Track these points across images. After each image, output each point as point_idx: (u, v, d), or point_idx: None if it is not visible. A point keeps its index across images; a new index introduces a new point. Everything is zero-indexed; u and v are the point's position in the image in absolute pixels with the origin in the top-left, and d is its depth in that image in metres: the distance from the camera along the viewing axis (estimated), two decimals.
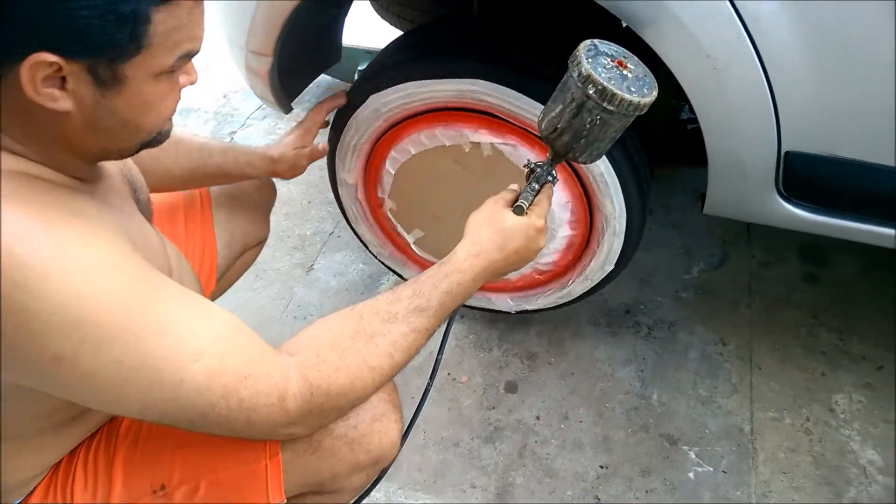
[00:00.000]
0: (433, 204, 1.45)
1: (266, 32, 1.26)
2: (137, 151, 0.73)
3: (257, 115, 2.55)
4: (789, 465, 1.41)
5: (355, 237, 1.65)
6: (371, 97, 1.30)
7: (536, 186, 0.92)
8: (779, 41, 1.00)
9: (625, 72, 0.83)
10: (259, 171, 1.21)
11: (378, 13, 2.01)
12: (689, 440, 1.46)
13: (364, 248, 1.66)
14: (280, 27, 1.25)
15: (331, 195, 2.13)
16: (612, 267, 1.41)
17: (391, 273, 1.85)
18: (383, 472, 0.95)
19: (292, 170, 1.24)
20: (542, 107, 0.91)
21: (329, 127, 1.38)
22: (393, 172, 1.41)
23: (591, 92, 0.80)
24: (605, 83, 0.79)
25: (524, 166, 0.96)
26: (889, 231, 1.18)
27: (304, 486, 0.89)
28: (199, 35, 0.67)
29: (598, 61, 0.82)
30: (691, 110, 1.25)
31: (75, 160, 0.70)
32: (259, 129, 2.49)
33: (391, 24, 1.99)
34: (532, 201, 0.91)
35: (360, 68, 2.31)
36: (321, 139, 1.29)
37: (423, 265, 1.59)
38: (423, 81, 1.24)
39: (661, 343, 1.67)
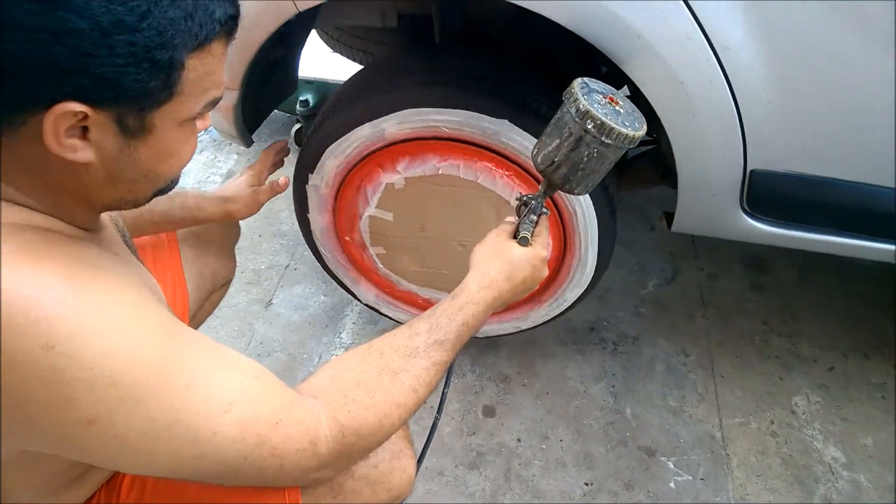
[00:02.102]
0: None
1: (234, 68, 1.24)
2: (149, 200, 0.70)
3: None
4: (761, 468, 1.47)
5: (313, 270, 1.61)
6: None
7: (534, 218, 0.93)
8: (746, 67, 1.06)
9: (617, 108, 0.86)
10: (209, 214, 1.17)
11: (328, 45, 2.00)
12: (666, 451, 1.50)
13: (324, 277, 1.62)
14: (248, 62, 1.24)
15: (282, 227, 2.11)
16: (585, 288, 1.45)
17: (354, 304, 1.83)
18: None
19: (248, 208, 1.20)
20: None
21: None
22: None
23: (589, 126, 0.83)
24: (604, 118, 0.82)
25: (516, 199, 0.98)
26: (844, 240, 1.27)
27: None
28: (223, 81, 0.64)
29: (592, 98, 0.85)
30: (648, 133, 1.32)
31: (85, 211, 0.67)
32: (198, 163, 2.42)
33: (343, 55, 1.98)
34: (533, 232, 0.92)
35: (300, 98, 2.30)
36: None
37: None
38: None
39: (627, 357, 1.71)
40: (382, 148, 1.29)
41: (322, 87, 2.29)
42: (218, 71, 0.63)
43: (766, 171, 1.19)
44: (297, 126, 2.36)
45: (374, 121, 1.24)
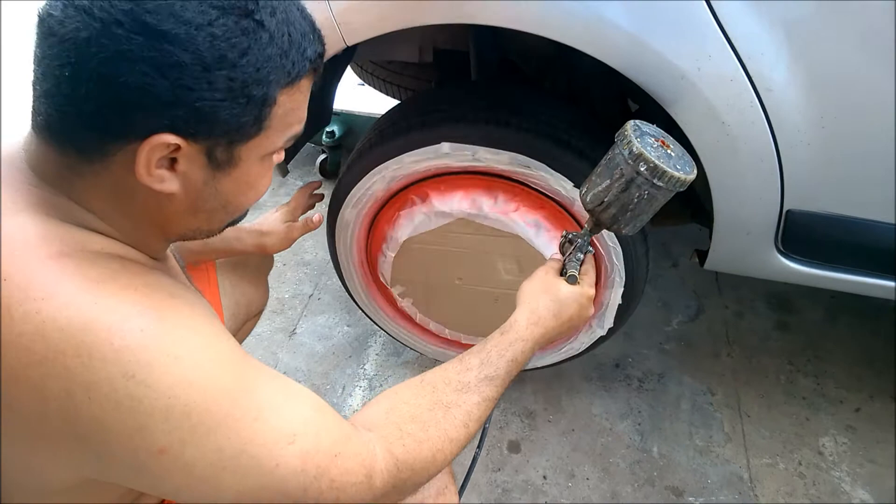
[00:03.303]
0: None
1: None
2: (222, 231, 0.71)
3: None
4: None
5: (337, 299, 1.61)
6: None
7: (581, 256, 0.94)
8: (787, 109, 1.07)
9: (668, 151, 0.87)
10: (245, 246, 1.19)
11: (361, 77, 2.02)
12: (694, 491, 1.49)
13: (348, 307, 1.61)
14: None
15: (306, 256, 2.12)
16: (612, 323, 1.44)
17: (379, 334, 1.83)
18: None
19: (281, 243, 1.23)
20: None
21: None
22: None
23: (642, 169, 0.84)
24: (657, 161, 0.83)
25: (561, 236, 0.98)
26: (879, 282, 1.26)
27: None
28: (304, 117, 0.66)
29: (645, 140, 0.85)
30: None
31: (160, 240, 0.68)
32: None
33: (376, 88, 2.01)
34: (580, 270, 0.93)
35: (326, 129, 2.33)
36: None
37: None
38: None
39: (653, 395, 1.70)
40: (417, 182, 1.30)
41: (348, 119, 2.31)
42: (303, 107, 0.65)
43: (803, 211, 1.19)
44: (322, 157, 2.39)
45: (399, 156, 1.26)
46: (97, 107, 0.54)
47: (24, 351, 0.53)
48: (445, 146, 1.21)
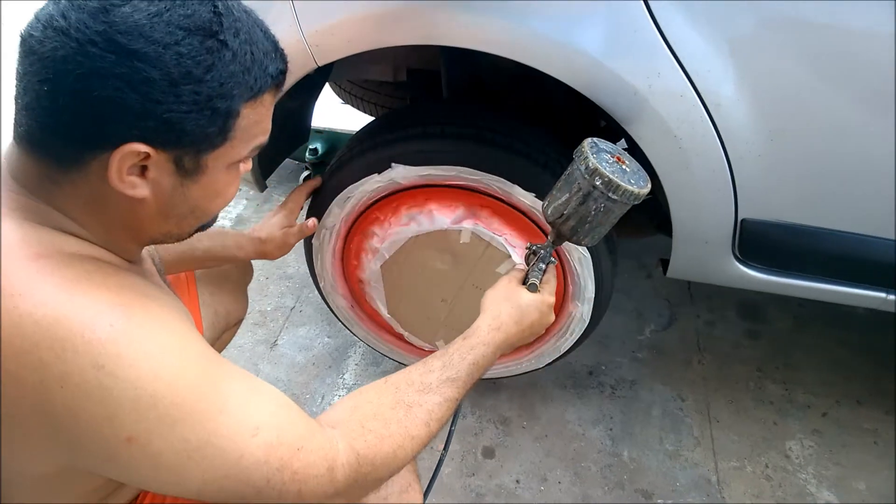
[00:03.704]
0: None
1: None
2: (191, 235, 0.76)
3: None
4: None
5: (318, 311, 1.66)
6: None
7: (543, 266, 0.99)
8: (736, 123, 1.12)
9: (623, 166, 0.92)
10: (246, 252, 1.24)
11: (340, 97, 2.08)
12: (663, 493, 1.53)
13: (329, 319, 1.66)
14: None
15: (289, 270, 2.16)
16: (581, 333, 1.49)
17: (358, 345, 1.87)
18: None
19: (280, 249, 1.28)
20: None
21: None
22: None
23: (597, 183, 0.89)
24: (611, 176, 0.88)
25: (525, 248, 1.03)
26: (832, 287, 1.32)
27: None
28: (269, 129, 0.71)
29: (601, 157, 0.91)
30: None
31: (133, 244, 0.72)
32: None
33: (354, 106, 2.07)
34: (542, 279, 0.98)
35: (310, 147, 2.38)
36: None
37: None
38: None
39: (625, 402, 1.75)
40: (389, 196, 1.36)
41: (331, 137, 2.36)
42: (266, 119, 0.70)
43: (757, 220, 1.25)
44: (306, 173, 2.43)
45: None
46: (73, 118, 0.60)
47: (2, 343, 0.57)
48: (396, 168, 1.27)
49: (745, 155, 1.16)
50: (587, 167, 0.90)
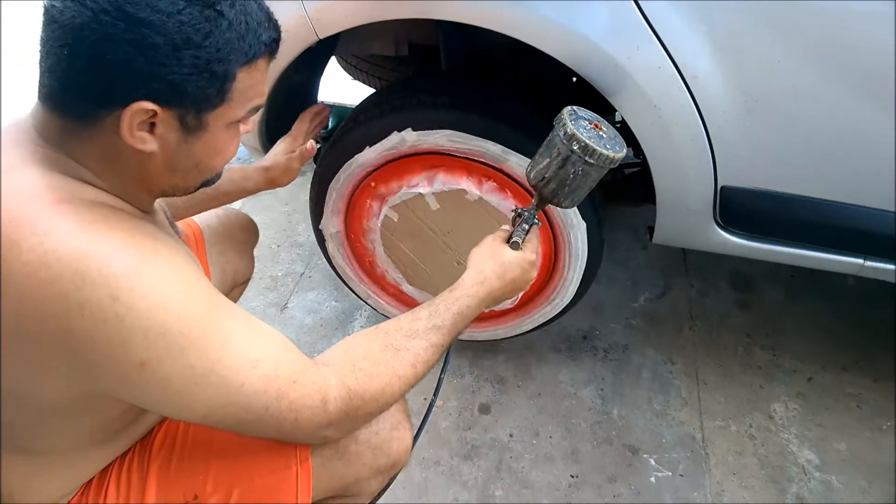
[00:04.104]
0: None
1: None
2: (196, 190, 0.85)
3: None
4: (738, 467, 1.58)
5: (326, 277, 1.75)
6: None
7: (526, 227, 1.06)
8: (713, 94, 1.19)
9: (601, 133, 0.99)
10: (255, 182, 1.32)
11: (347, 72, 2.16)
12: (649, 449, 1.61)
13: (336, 284, 1.76)
14: (271, 84, 1.39)
15: (299, 238, 2.26)
16: (572, 297, 1.57)
17: (364, 309, 1.97)
18: (394, 476, 1.06)
19: (286, 174, 1.35)
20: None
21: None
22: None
23: (575, 148, 0.96)
24: (587, 141, 0.95)
25: (511, 211, 1.10)
26: (809, 253, 1.39)
27: (329, 491, 0.98)
28: (265, 92, 0.80)
29: (579, 123, 0.97)
30: (634, 155, 1.46)
31: (144, 195, 0.81)
32: None
33: (360, 81, 2.15)
34: (524, 239, 1.05)
35: None
36: None
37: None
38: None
39: (617, 364, 1.83)
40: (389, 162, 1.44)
41: (341, 112, 2.45)
42: (260, 83, 0.78)
43: (735, 187, 1.32)
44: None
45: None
46: (89, 79, 0.67)
47: (28, 276, 0.65)
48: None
49: (721, 124, 1.23)
50: (565, 133, 0.96)
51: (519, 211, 1.09)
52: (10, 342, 0.69)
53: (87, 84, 0.68)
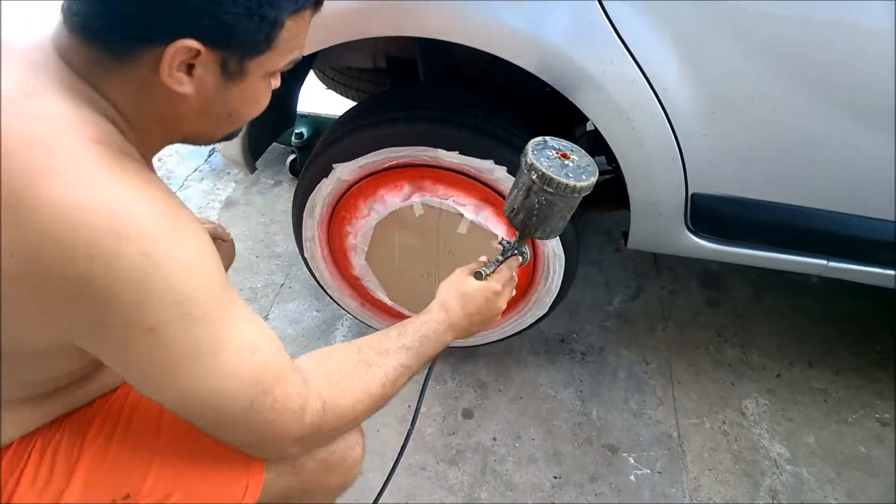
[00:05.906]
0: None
1: None
2: (219, 141, 0.82)
3: (195, 177, 2.64)
4: (713, 463, 1.64)
5: (306, 287, 1.77)
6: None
7: (500, 258, 1.06)
8: (682, 105, 1.24)
9: (566, 161, 0.97)
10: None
11: (324, 83, 2.18)
12: (627, 448, 1.66)
13: (317, 294, 1.78)
14: None
15: (277, 249, 2.27)
16: (552, 301, 1.62)
17: (345, 318, 1.99)
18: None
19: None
20: None
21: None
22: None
23: (534, 177, 0.94)
24: (545, 170, 0.93)
25: (497, 243, 1.10)
26: (776, 255, 1.45)
27: (273, 502, 0.95)
28: (303, 46, 0.77)
29: (543, 153, 0.97)
30: (607, 163, 1.51)
31: (161, 139, 0.77)
32: (198, 191, 2.57)
33: (337, 92, 2.17)
34: (494, 270, 1.05)
35: (296, 131, 2.48)
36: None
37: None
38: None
39: (594, 366, 1.88)
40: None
41: (316, 122, 2.47)
42: (303, 36, 0.75)
43: (705, 194, 1.37)
44: (292, 157, 2.54)
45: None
46: (135, 10, 0.64)
47: (58, 213, 0.61)
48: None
49: (691, 134, 1.28)
50: (526, 163, 0.95)
51: (503, 243, 1.11)
52: (30, 277, 0.64)
53: (130, 16, 0.65)
